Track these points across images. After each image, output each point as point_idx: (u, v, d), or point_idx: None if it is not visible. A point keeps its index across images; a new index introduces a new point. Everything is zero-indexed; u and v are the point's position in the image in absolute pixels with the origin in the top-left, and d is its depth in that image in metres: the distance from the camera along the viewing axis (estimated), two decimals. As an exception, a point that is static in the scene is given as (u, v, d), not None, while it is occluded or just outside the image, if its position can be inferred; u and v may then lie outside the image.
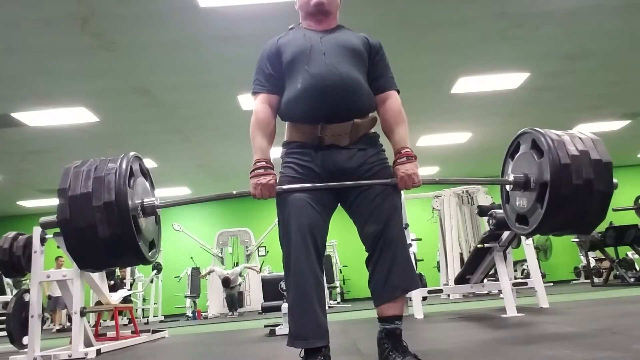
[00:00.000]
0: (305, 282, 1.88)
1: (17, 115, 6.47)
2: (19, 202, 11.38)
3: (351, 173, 1.99)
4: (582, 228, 2.15)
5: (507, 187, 2.27)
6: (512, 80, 6.74)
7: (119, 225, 1.79)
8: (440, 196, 8.43)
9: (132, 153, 2.03)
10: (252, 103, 2.09)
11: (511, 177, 2.18)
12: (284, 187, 1.94)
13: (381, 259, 1.94)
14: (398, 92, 2.12)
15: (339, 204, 2.07)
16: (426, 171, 11.54)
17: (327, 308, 2.02)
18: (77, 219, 1.79)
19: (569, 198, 1.98)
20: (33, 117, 6.58)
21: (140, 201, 1.98)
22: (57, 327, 8.99)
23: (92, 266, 2.06)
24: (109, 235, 1.78)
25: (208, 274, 9.67)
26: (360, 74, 2.02)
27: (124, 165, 1.89)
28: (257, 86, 2.08)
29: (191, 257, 10.68)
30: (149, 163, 9.15)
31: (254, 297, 9.63)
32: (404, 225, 2.07)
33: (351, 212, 2.04)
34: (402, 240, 1.98)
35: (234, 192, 2.03)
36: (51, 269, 5.97)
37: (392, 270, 1.92)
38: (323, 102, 1.95)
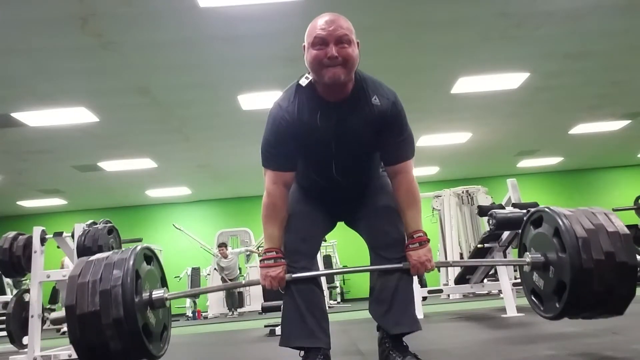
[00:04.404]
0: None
1: (17, 115, 6.47)
2: (19, 202, 11.36)
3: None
4: (596, 318, 2.08)
5: (525, 267, 2.10)
6: (512, 80, 6.73)
7: (129, 339, 1.77)
8: (440, 196, 8.43)
9: (138, 247, 1.92)
10: (264, 177, 1.99)
11: (529, 259, 2.02)
12: (293, 275, 1.94)
13: (384, 293, 2.02)
14: (412, 157, 2.02)
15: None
16: (426, 171, 11.54)
17: (327, 308, 2.04)
18: (88, 337, 1.77)
19: (587, 303, 1.88)
20: (33, 117, 6.58)
21: (149, 296, 1.89)
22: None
23: None
24: (120, 348, 1.77)
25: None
26: (370, 167, 2.09)
27: (129, 271, 1.81)
28: (269, 162, 1.96)
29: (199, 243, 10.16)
30: (149, 163, 9.15)
31: (254, 297, 9.63)
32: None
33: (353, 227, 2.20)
34: (408, 282, 2.05)
35: (242, 282, 2.17)
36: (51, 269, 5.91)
37: (393, 304, 1.99)
38: (331, 195, 2.10)
